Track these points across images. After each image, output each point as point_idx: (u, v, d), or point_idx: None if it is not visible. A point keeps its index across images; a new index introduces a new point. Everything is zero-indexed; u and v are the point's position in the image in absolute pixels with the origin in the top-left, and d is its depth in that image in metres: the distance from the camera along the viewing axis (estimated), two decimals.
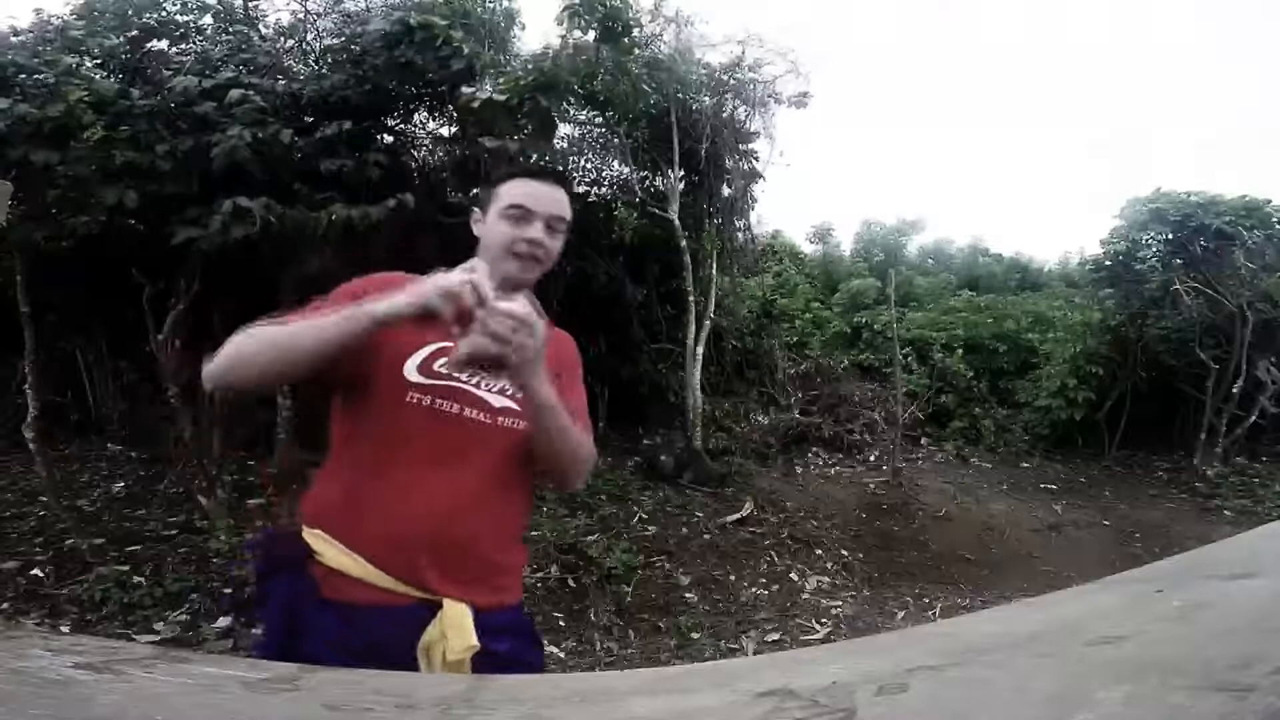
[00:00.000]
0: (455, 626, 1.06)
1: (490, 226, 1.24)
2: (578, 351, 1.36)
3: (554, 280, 6.23)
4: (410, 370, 1.14)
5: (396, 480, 1.10)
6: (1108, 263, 7.90)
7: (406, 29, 4.43)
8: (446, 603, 1.07)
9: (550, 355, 1.16)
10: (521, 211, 1.21)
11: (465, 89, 4.62)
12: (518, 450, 1.17)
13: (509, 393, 1.17)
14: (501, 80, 4.62)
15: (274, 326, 1.08)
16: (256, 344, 1.07)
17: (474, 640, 1.07)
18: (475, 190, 1.17)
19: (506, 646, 1.13)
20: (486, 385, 1.18)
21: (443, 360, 1.13)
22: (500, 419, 1.16)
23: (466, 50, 4.42)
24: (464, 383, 1.15)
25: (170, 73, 4.31)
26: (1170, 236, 7.38)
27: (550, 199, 1.23)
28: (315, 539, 1.10)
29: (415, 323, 1.06)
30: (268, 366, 1.09)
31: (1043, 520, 5.95)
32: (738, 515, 5.18)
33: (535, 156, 4.93)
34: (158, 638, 3.00)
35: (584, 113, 6.34)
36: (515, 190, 1.23)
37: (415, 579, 1.07)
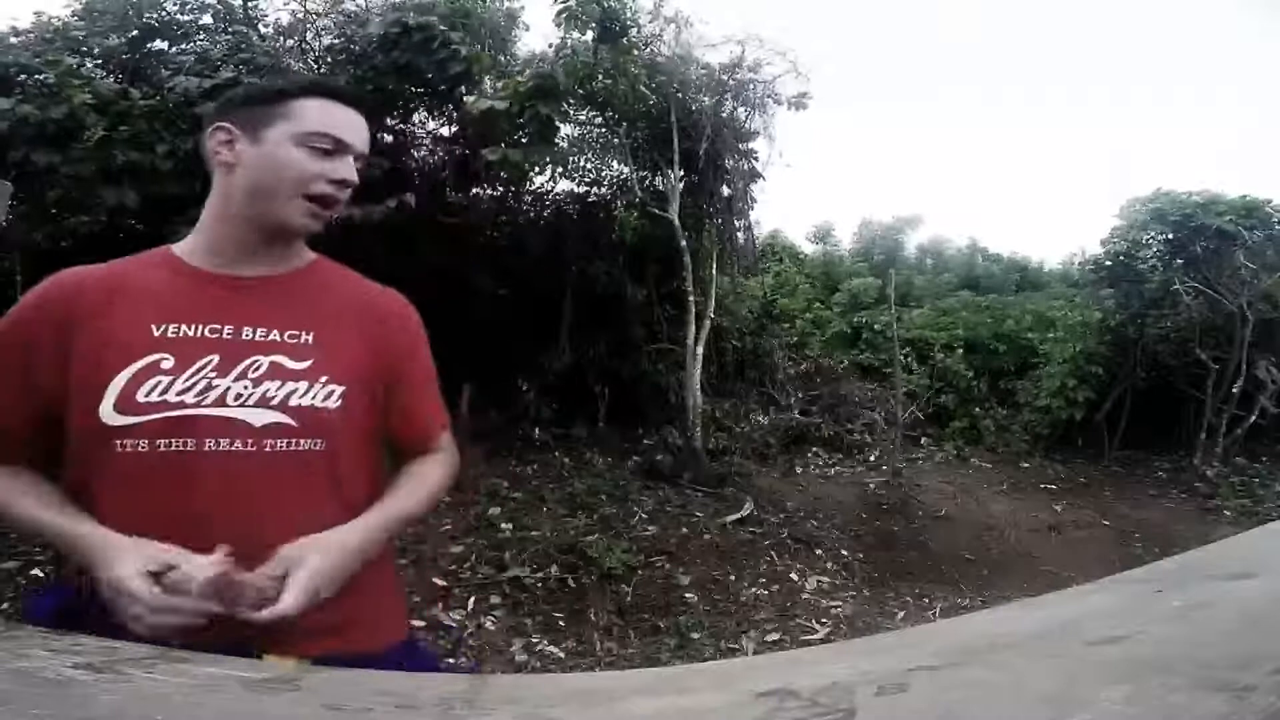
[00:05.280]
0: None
1: (274, 154, 0.88)
2: (416, 320, 1.04)
3: (556, 281, 6.28)
4: (107, 411, 0.79)
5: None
6: (1108, 263, 7.89)
7: (404, 30, 4.42)
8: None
9: (378, 336, 0.96)
10: (332, 143, 0.90)
11: (468, 97, 4.61)
12: (314, 476, 0.86)
13: (275, 399, 0.84)
14: (502, 83, 4.61)
15: None
16: None
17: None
18: (220, 101, 0.98)
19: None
20: (238, 397, 0.83)
21: (160, 379, 0.80)
22: (269, 441, 0.83)
23: (465, 52, 4.41)
24: (199, 405, 0.81)
25: (170, 73, 4.31)
26: (1170, 236, 7.37)
27: (360, 130, 0.94)
28: None
29: (110, 340, 0.81)
30: None
31: (1043, 520, 5.94)
32: (738, 515, 5.17)
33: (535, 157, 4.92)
34: None
35: (584, 113, 6.34)
36: (322, 114, 0.90)
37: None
